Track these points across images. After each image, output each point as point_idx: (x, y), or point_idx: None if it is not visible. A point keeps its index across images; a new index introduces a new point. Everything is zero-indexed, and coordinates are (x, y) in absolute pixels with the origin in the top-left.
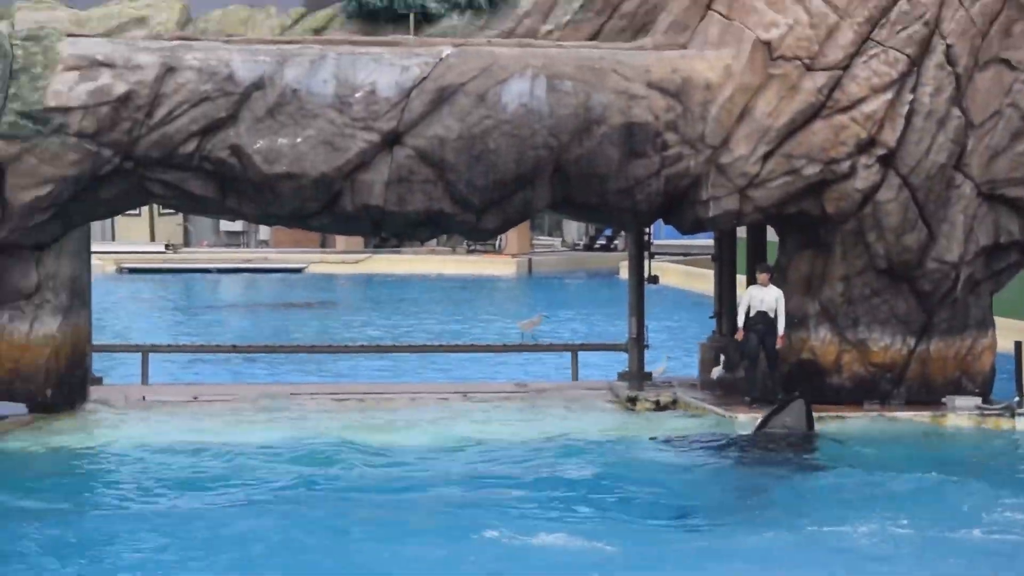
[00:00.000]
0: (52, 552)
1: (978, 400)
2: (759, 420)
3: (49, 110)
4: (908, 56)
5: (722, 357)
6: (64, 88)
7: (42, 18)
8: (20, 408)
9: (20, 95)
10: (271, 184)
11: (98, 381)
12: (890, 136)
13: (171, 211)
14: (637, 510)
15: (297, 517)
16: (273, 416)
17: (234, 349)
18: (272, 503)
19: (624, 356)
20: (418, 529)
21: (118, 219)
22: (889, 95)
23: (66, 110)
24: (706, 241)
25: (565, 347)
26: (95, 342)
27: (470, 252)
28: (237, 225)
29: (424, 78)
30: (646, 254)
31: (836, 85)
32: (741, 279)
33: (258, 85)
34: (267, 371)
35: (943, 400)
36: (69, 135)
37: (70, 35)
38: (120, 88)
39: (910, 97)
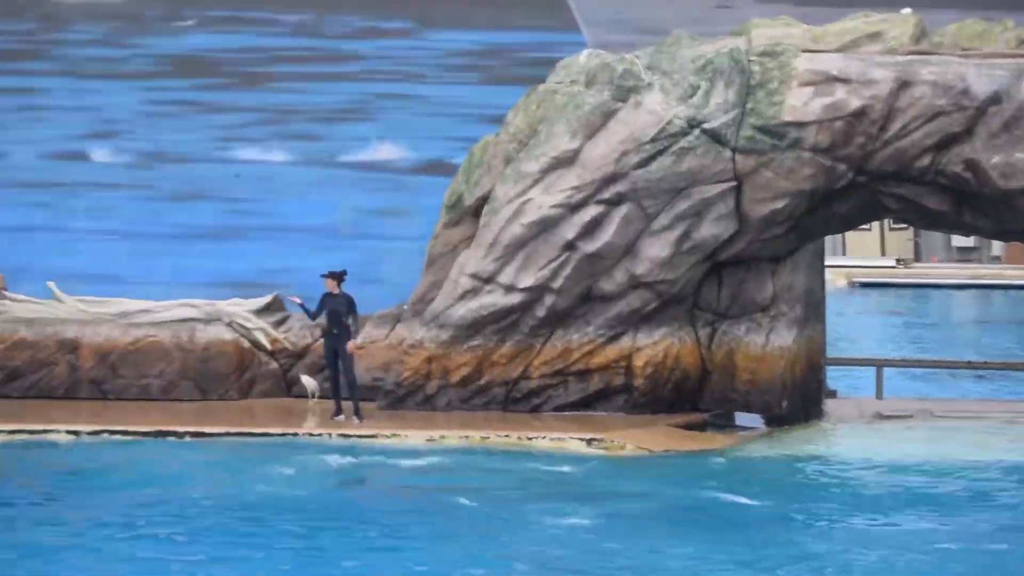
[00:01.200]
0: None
1: None
2: None
3: (785, 124)
4: None
5: None
6: (799, 103)
7: (778, 35)
8: (757, 420)
9: (757, 110)
10: (1007, 199)
11: (832, 394)
12: None
13: (901, 226)
14: None
15: None
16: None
17: (969, 365)
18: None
19: None
20: None
21: (849, 233)
22: None
23: (801, 125)
24: None
25: None
26: (828, 355)
27: None
28: (969, 241)
29: None
30: None
31: None
32: None
33: (994, 99)
34: (1003, 389)
35: None
36: (804, 149)
37: (805, 51)
38: (854, 103)
39: None
